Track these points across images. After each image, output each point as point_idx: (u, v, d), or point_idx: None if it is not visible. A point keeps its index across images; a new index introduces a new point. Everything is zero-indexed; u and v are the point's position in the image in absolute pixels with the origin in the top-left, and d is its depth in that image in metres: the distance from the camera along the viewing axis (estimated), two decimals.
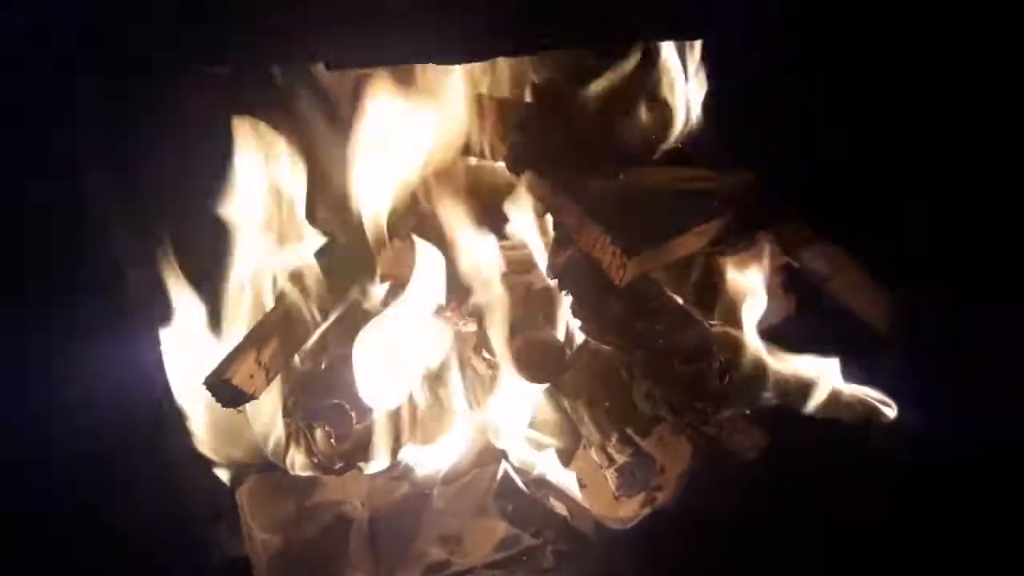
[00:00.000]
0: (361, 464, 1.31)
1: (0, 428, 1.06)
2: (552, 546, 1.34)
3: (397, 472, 1.36)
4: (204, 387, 1.14)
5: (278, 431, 1.28)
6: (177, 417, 1.17)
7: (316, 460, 1.26)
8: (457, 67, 1.16)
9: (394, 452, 1.34)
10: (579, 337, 1.36)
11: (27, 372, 1.04)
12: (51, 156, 0.98)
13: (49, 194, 0.99)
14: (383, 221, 1.26)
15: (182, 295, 1.17)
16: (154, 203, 1.08)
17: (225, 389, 1.14)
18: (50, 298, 1.01)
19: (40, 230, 1.00)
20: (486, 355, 1.37)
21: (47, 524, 1.16)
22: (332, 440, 1.25)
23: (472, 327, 1.38)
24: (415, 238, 1.28)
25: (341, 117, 1.21)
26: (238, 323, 1.21)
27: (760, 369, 1.20)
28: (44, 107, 0.94)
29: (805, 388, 1.27)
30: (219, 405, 1.15)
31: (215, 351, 1.17)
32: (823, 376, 1.28)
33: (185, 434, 1.17)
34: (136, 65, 0.93)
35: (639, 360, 1.19)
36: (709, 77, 1.22)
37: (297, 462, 1.28)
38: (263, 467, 1.33)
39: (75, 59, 0.91)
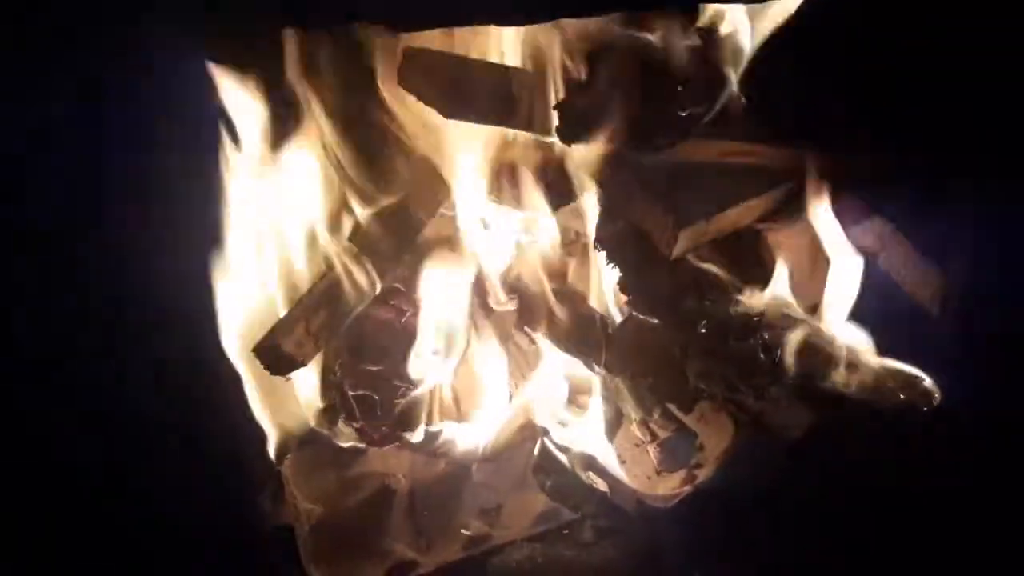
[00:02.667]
0: (403, 435, 1.31)
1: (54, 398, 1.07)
2: (592, 521, 1.34)
3: (438, 446, 1.37)
4: (253, 354, 1.15)
5: (323, 400, 1.28)
6: (231, 382, 1.17)
7: (359, 429, 1.27)
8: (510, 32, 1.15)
9: (435, 425, 1.34)
10: (619, 311, 1.35)
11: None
12: None
13: None
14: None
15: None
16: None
17: (274, 356, 1.15)
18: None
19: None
20: (528, 330, 1.37)
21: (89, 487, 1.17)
22: (377, 410, 1.25)
23: (513, 304, 1.38)
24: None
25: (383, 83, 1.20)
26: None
27: (814, 346, 1.18)
28: None
29: (851, 367, 1.26)
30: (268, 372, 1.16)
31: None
32: (868, 355, 1.27)
33: (240, 398, 1.17)
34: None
35: (693, 336, 1.18)
36: (763, 47, 1.20)
37: (341, 432, 1.29)
38: (307, 439, 1.33)
39: None
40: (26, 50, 0.94)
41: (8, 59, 0.94)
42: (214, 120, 1.08)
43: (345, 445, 1.29)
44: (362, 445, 1.28)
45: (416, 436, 1.30)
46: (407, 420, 1.27)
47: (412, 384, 1.26)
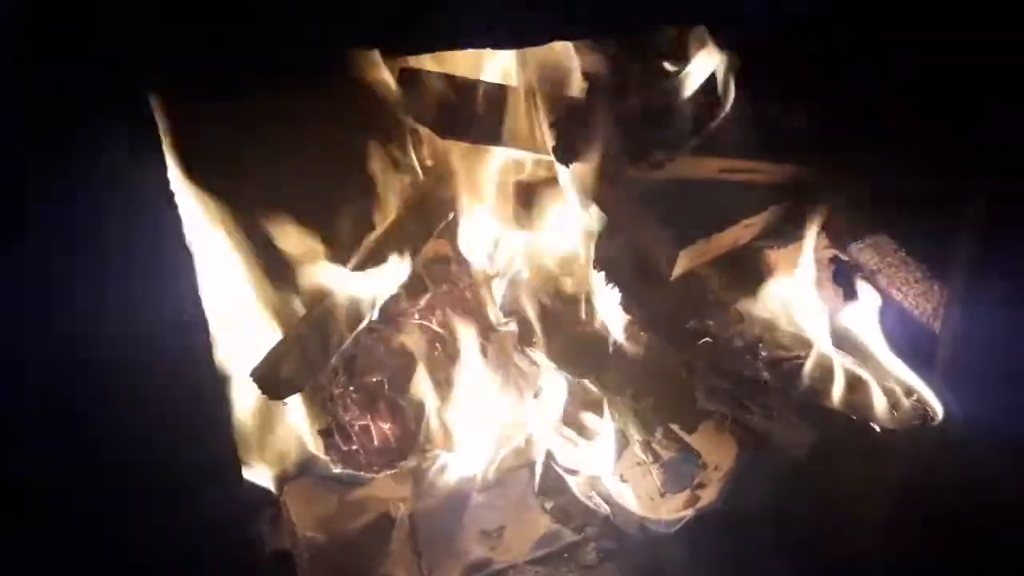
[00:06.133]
0: (402, 463, 1.30)
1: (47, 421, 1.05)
2: (595, 543, 1.33)
3: (437, 473, 1.35)
4: (251, 378, 1.14)
5: (320, 426, 1.27)
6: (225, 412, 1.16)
7: (354, 452, 1.25)
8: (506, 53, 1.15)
9: (432, 452, 1.32)
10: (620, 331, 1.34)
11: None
12: None
13: None
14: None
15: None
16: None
17: (272, 380, 1.13)
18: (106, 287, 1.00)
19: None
20: (528, 352, 1.36)
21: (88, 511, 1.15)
22: (374, 438, 1.24)
23: (512, 325, 1.37)
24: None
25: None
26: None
27: (817, 363, 1.17)
28: None
29: (852, 385, 1.25)
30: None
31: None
32: (869, 372, 1.26)
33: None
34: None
35: (697, 356, 1.17)
36: (758, 66, 1.20)
37: (337, 456, 1.27)
38: (306, 466, 1.32)
39: None
40: None
41: None
42: None
43: (340, 471, 1.27)
44: (358, 473, 1.26)
45: (411, 463, 1.28)
46: (402, 446, 1.25)
47: (410, 404, 1.24)
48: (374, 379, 1.24)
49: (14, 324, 0.95)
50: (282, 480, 1.30)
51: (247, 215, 1.14)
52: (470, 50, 1.20)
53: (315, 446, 1.28)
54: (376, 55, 1.08)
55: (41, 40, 0.78)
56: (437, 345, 1.29)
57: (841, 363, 1.23)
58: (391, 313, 1.30)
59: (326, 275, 1.21)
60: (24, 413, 1.03)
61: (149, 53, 0.82)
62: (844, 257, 1.30)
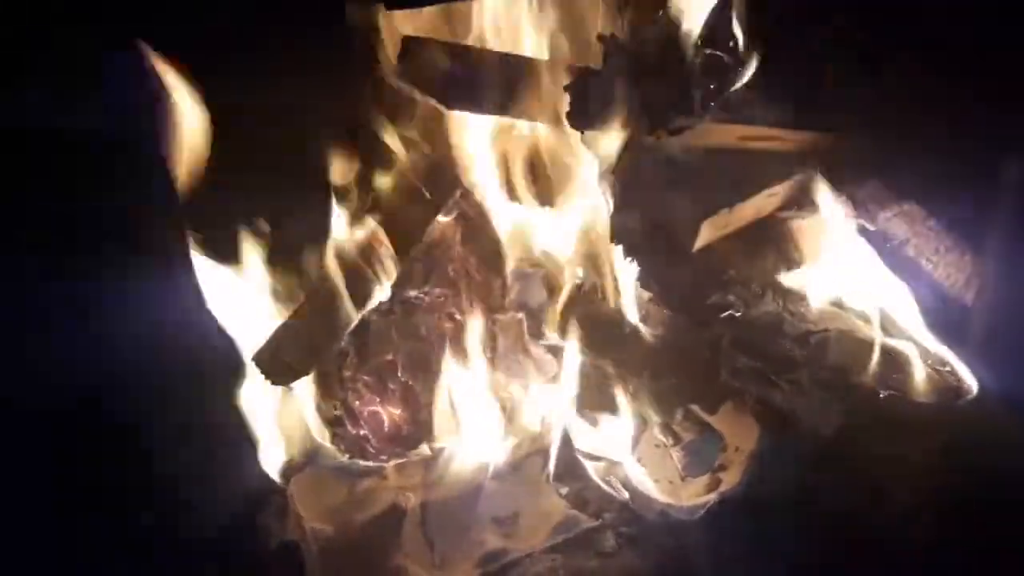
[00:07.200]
0: (413, 451, 1.26)
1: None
2: (613, 529, 1.28)
3: (449, 460, 1.30)
4: (253, 363, 1.09)
5: (329, 413, 1.22)
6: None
7: (362, 438, 1.21)
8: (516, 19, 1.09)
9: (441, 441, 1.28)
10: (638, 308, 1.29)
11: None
12: None
13: None
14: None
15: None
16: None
17: (275, 366, 1.09)
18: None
19: None
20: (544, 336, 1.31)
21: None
22: (384, 424, 1.20)
23: (521, 313, 1.32)
24: None
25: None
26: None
27: (844, 338, 1.13)
28: None
29: (881, 360, 1.21)
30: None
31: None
32: (898, 347, 1.22)
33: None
34: None
35: (721, 332, 1.12)
36: (781, 30, 1.14)
37: (344, 444, 1.23)
38: (313, 455, 1.27)
39: None
40: None
41: None
42: None
43: (348, 460, 1.23)
44: (368, 462, 1.22)
45: (422, 451, 1.24)
46: (413, 432, 1.21)
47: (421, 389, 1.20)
48: (384, 363, 1.19)
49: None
50: (289, 471, 1.25)
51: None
52: (476, 20, 1.17)
53: (322, 434, 1.23)
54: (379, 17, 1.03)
55: None
56: (448, 328, 1.24)
57: (871, 336, 1.19)
58: (401, 295, 1.25)
59: (330, 255, 1.17)
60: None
61: None
62: (872, 227, 1.24)
